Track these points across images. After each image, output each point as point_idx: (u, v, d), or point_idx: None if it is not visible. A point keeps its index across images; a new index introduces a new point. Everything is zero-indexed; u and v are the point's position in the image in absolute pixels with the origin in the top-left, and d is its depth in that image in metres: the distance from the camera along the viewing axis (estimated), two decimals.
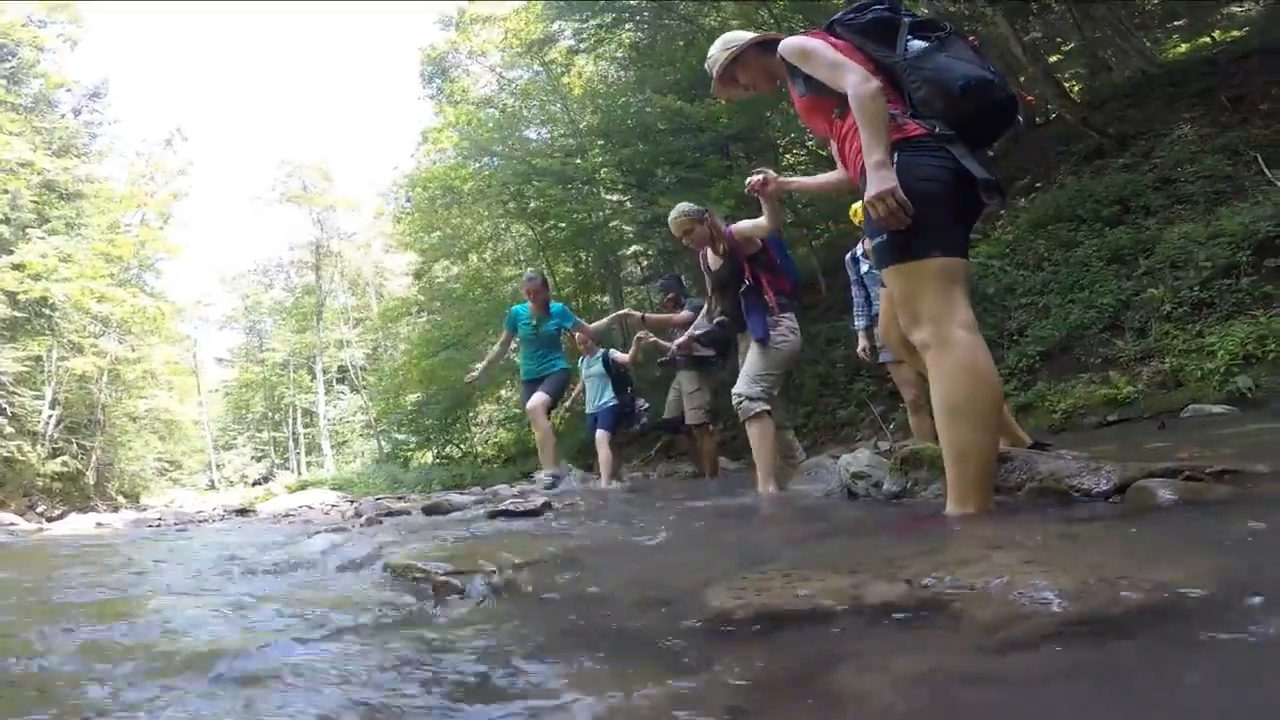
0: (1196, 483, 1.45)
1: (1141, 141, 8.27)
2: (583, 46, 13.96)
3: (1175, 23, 11.84)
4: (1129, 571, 0.80)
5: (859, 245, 4.03)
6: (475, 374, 5.86)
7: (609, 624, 0.88)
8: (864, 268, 4.05)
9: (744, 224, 3.39)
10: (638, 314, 4.93)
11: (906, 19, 1.74)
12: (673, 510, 2.82)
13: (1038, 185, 9.01)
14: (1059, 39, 12.32)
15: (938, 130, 1.59)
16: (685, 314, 5.13)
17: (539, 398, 5.34)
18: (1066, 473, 1.57)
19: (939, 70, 1.61)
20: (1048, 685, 0.61)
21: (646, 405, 6.61)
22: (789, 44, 1.79)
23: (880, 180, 1.55)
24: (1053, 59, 12.06)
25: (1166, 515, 1.28)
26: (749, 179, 2.78)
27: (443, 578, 1.31)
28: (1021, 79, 11.15)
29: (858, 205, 3.45)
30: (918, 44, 1.68)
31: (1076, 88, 12.12)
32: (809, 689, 0.65)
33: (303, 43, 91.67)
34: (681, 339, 4.34)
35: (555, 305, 5.58)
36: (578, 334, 5.90)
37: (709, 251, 3.63)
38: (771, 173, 2.77)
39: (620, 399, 6.39)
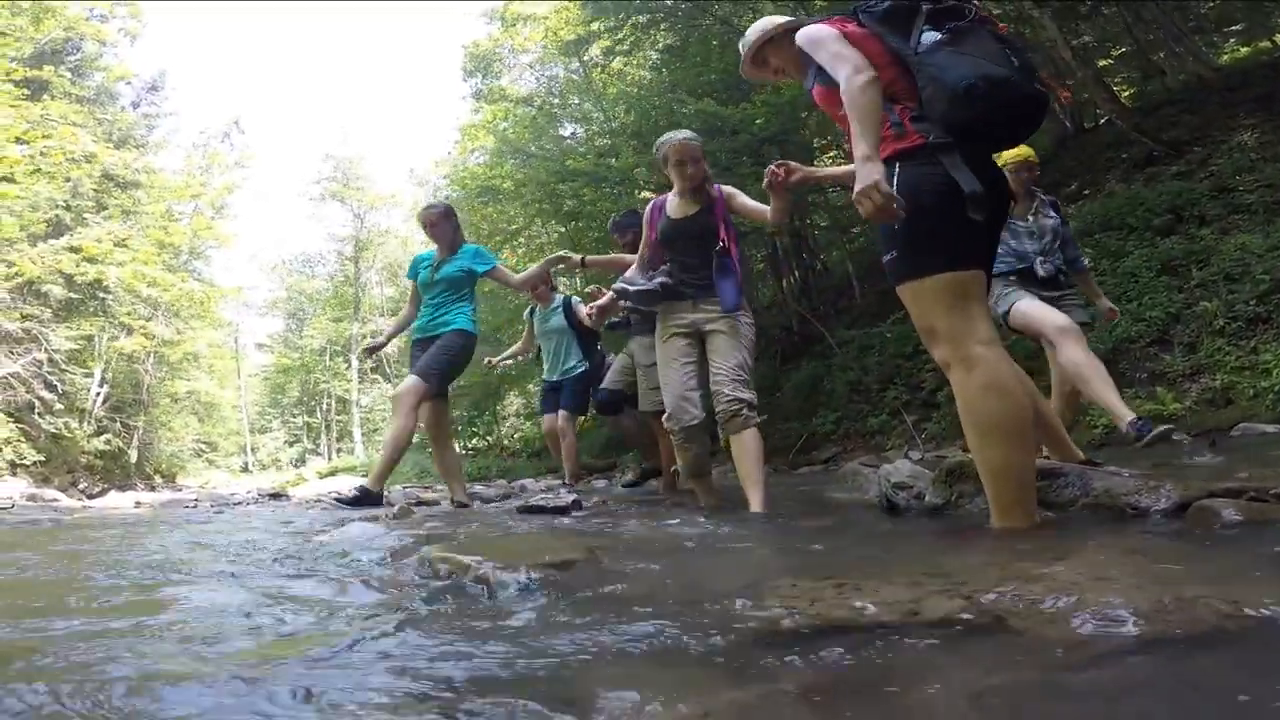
0: (1261, 503, 1.39)
1: (1196, 148, 7.99)
2: (619, 49, 13.96)
3: (1232, 26, 11.40)
4: (1204, 591, 0.76)
5: None
6: (377, 344, 4.49)
7: (657, 630, 0.86)
8: (1018, 222, 3.43)
9: (743, 199, 2.98)
10: (576, 256, 3.81)
11: (926, 6, 1.60)
12: (703, 513, 2.79)
13: (1085, 192, 8.76)
14: (1109, 43, 11.95)
15: (931, 139, 1.52)
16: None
17: (412, 382, 3.80)
18: (1123, 490, 1.52)
19: (940, 69, 1.50)
20: (1126, 704, 0.58)
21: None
22: (803, 32, 1.72)
23: (865, 174, 1.46)
24: (1102, 63, 11.71)
25: (1233, 535, 1.24)
26: (768, 169, 2.44)
27: (482, 573, 1.31)
28: (1070, 83, 10.84)
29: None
30: (930, 36, 1.56)
31: (1127, 92, 11.76)
32: (874, 704, 0.63)
33: (348, 36, 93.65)
34: (602, 300, 3.38)
35: (468, 246, 4.15)
36: (509, 283, 4.41)
37: (674, 197, 3.04)
38: (794, 163, 2.47)
39: (591, 362, 4.97)
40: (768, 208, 2.77)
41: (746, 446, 2.71)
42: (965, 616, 0.78)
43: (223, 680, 0.70)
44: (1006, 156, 3.16)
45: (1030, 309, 3.21)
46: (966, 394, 1.53)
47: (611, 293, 3.24)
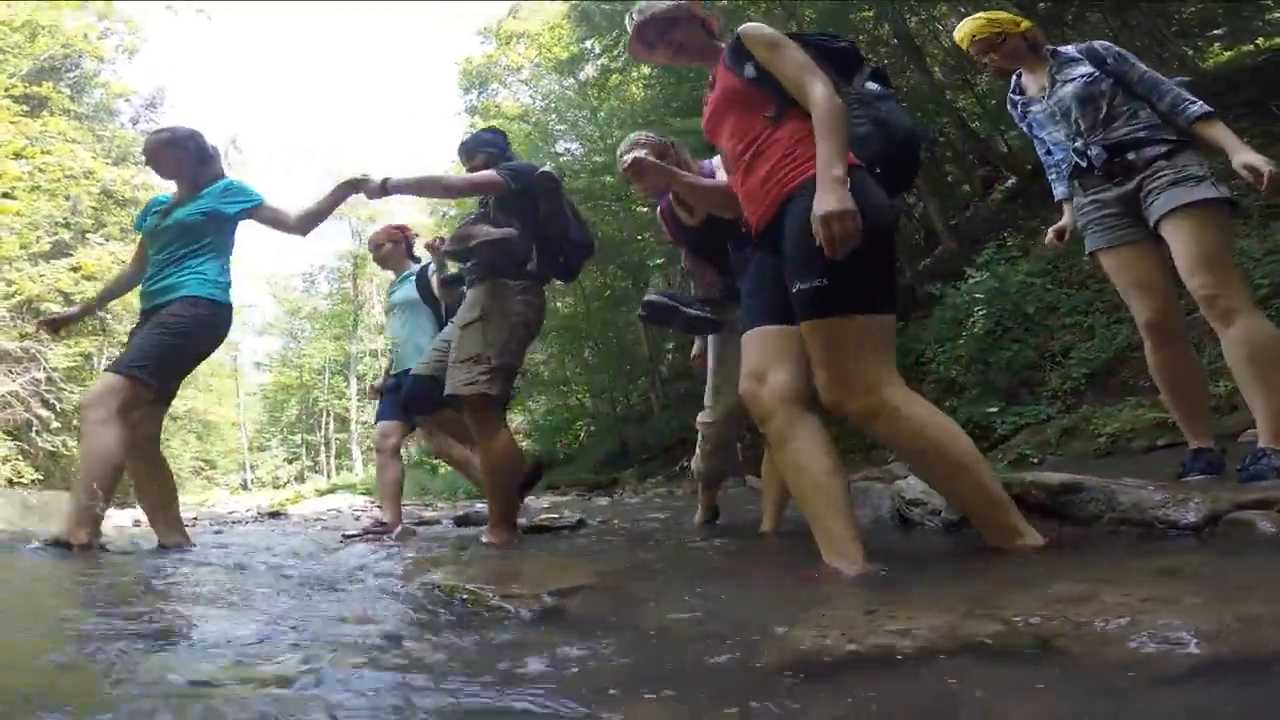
0: None
1: None
2: (614, 65, 14.09)
3: (1215, 31, 11.53)
4: (1265, 610, 0.73)
5: (1014, 81, 2.67)
6: (65, 315, 3.23)
7: (680, 664, 0.81)
8: (1035, 109, 2.53)
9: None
10: (375, 179, 2.64)
11: (870, 64, 1.75)
12: (706, 532, 2.74)
13: None
14: None
15: (864, 165, 1.52)
16: (484, 175, 2.75)
17: (106, 383, 2.56)
18: (1150, 504, 1.48)
19: (891, 114, 1.58)
20: None
21: None
22: (755, 27, 1.66)
23: (844, 198, 1.35)
24: None
25: (1271, 549, 1.20)
26: (623, 159, 2.12)
27: (493, 602, 1.26)
28: None
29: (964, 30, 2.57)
30: (875, 86, 1.66)
31: None
32: None
33: (349, 51, 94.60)
34: (477, 232, 2.53)
35: (222, 181, 2.93)
36: (285, 225, 2.94)
37: (673, 202, 2.68)
38: (649, 161, 2.07)
39: None
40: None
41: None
42: (1011, 642, 0.74)
43: None
44: (962, 37, 2.60)
45: (1116, 270, 2.37)
46: (904, 441, 1.44)
47: (644, 309, 2.65)
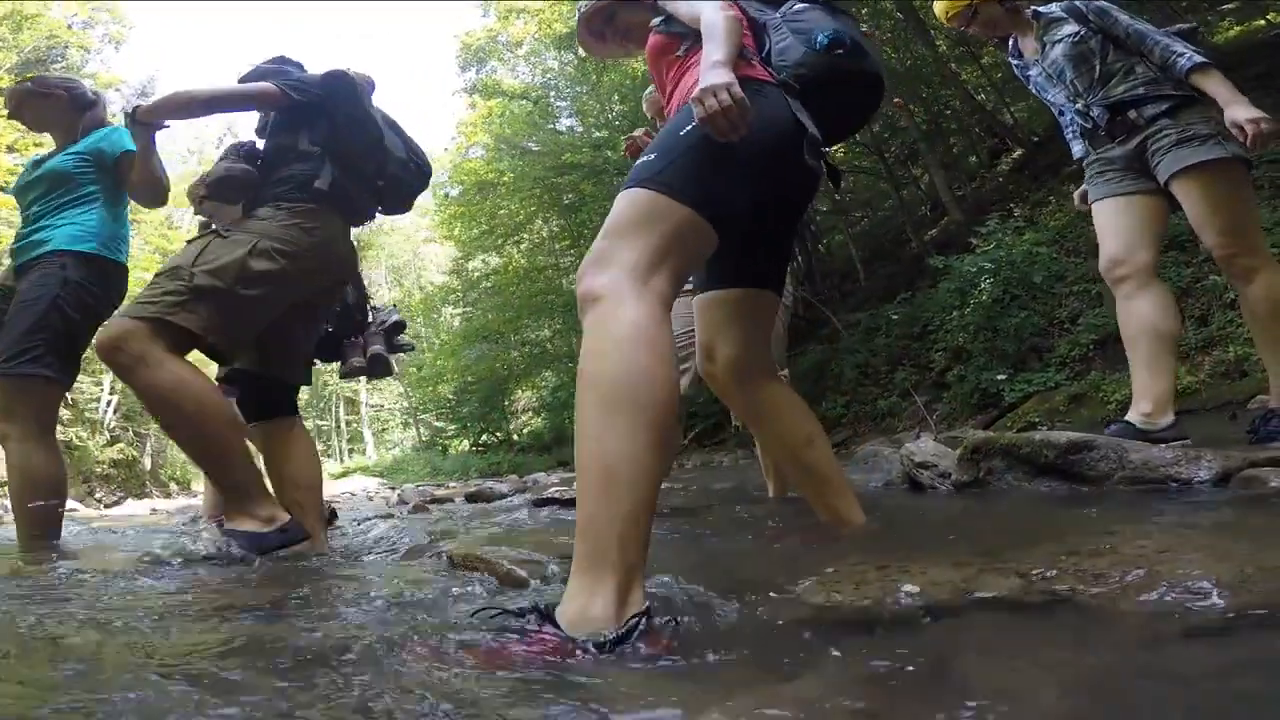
0: None
1: None
2: None
3: (1226, 5, 11.30)
4: None
5: (1011, 45, 2.59)
6: None
7: (695, 622, 0.82)
8: (1032, 72, 2.50)
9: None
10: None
11: None
12: (713, 497, 2.76)
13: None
14: None
15: (781, 78, 1.37)
16: (256, 85, 2.27)
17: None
18: (1162, 461, 1.48)
19: (811, 22, 1.42)
20: (1242, 682, 0.54)
21: (397, 315, 2.98)
22: None
23: (715, 75, 1.22)
24: None
25: None
26: (627, 140, 2.29)
27: (507, 568, 1.28)
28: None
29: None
30: (803, 4, 1.50)
31: None
32: (940, 688, 0.58)
33: (345, 31, 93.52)
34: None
35: (107, 128, 2.52)
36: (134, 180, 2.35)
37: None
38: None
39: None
40: None
41: None
42: (1026, 595, 0.74)
43: None
44: (940, 16, 2.55)
45: (1100, 220, 2.30)
46: (598, 341, 1.01)
47: None
